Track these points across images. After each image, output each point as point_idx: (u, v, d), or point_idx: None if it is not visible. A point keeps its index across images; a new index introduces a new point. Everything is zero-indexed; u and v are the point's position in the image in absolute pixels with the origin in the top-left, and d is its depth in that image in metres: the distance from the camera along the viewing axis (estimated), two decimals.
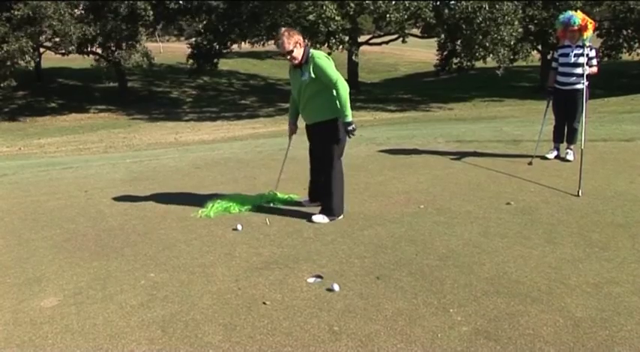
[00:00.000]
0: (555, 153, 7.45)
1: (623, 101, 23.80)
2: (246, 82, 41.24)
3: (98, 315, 3.59)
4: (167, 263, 4.43)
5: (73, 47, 28.76)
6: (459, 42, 29.42)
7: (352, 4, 28.00)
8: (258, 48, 45.47)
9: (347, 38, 29.77)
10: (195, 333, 3.32)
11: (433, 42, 34.48)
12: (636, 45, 32.76)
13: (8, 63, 25.57)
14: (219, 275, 4.13)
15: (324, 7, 26.32)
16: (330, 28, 27.06)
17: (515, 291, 3.64)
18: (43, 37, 27.59)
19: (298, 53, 5.11)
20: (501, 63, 28.22)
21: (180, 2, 35.00)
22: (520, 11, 28.02)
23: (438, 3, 31.14)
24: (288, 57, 5.12)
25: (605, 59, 34.19)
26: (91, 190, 6.93)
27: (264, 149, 9.49)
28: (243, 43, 35.24)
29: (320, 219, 5.27)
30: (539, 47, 33.59)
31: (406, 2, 28.11)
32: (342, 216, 5.34)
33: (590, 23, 6.99)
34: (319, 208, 5.41)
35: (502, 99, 30.57)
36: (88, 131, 24.67)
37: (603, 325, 3.19)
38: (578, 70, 7.03)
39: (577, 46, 7.06)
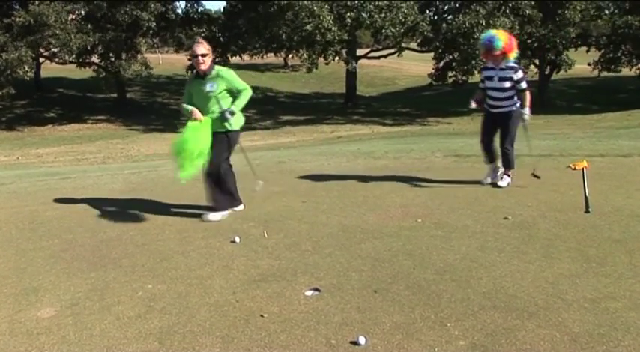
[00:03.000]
0: (492, 175, 6.97)
1: (620, 117, 23.94)
2: None
3: (95, 326, 3.59)
4: (165, 274, 4.43)
5: (73, 57, 28.89)
6: (456, 56, 29.62)
7: (349, 19, 28.17)
8: (257, 60, 45.73)
9: (344, 50, 29.91)
10: (192, 345, 3.32)
11: (431, 56, 34.71)
12: (634, 60, 33.01)
13: (8, 72, 25.59)
14: (216, 288, 4.13)
15: (322, 18, 26.49)
16: (326, 39, 27.22)
17: (513, 306, 3.64)
18: (43, 45, 27.62)
19: (208, 61, 5.65)
20: None
21: (180, 13, 35.22)
22: (517, 27, 28.20)
23: (436, 17, 31.35)
24: (200, 60, 5.57)
25: (605, 73, 34.57)
26: (89, 201, 6.93)
27: (262, 161, 9.50)
28: (242, 55, 35.42)
29: (212, 217, 5.85)
30: (537, 62, 33.84)
31: (401, 17, 28.28)
32: (230, 210, 6.01)
33: (514, 44, 6.53)
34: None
35: None
36: (86, 141, 24.69)
37: (600, 340, 3.19)
38: (506, 93, 6.58)
39: (501, 69, 6.56)
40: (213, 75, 5.68)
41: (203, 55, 5.58)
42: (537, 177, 6.66)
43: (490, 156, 6.94)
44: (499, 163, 6.88)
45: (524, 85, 6.57)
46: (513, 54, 6.51)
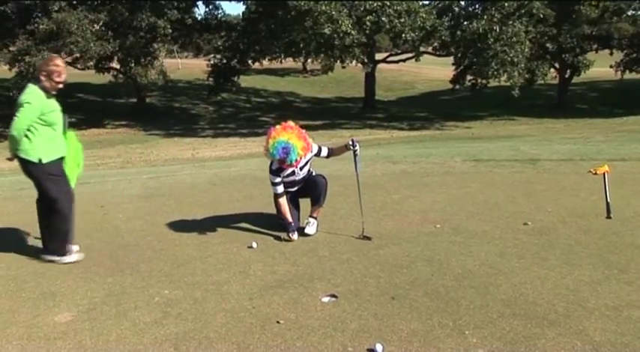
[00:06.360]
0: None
1: None
2: (264, 98, 41.50)
3: (111, 332, 3.59)
4: (181, 280, 4.43)
5: (92, 63, 29.35)
6: (474, 60, 29.49)
7: (368, 23, 28.15)
8: (275, 65, 45.86)
9: (360, 52, 29.87)
10: (208, 351, 3.30)
11: (449, 60, 34.65)
12: None
13: (29, 76, 26.08)
14: (233, 293, 4.12)
15: (340, 22, 26.49)
16: (345, 43, 27.22)
17: (532, 313, 3.58)
18: (65, 51, 28.03)
19: None
20: (515, 84, 28.16)
21: (198, 18, 35.45)
22: (532, 29, 27.95)
23: (452, 22, 31.25)
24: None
25: (627, 75, 34.40)
26: (107, 206, 6.97)
27: None
28: (261, 60, 35.58)
29: (48, 257, 5.00)
30: (557, 65, 33.59)
31: (419, 22, 28.23)
32: (71, 255, 5.00)
33: (309, 142, 5.43)
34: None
35: (519, 118, 30.47)
36: (105, 146, 24.85)
37: (623, 350, 3.12)
38: (309, 172, 5.78)
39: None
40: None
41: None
42: (368, 238, 5.31)
43: (296, 217, 5.71)
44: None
45: (324, 151, 5.68)
46: (310, 151, 5.51)
